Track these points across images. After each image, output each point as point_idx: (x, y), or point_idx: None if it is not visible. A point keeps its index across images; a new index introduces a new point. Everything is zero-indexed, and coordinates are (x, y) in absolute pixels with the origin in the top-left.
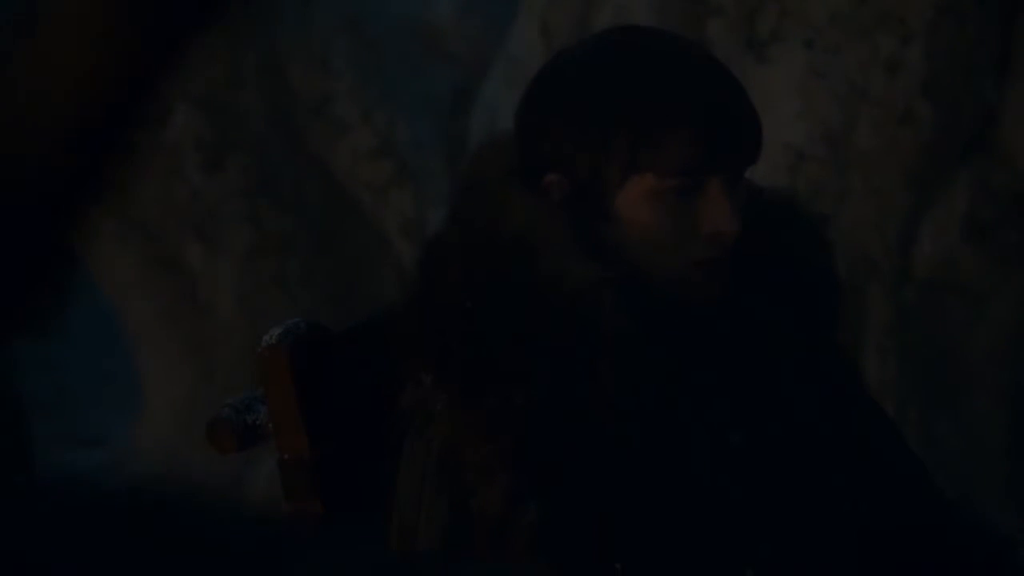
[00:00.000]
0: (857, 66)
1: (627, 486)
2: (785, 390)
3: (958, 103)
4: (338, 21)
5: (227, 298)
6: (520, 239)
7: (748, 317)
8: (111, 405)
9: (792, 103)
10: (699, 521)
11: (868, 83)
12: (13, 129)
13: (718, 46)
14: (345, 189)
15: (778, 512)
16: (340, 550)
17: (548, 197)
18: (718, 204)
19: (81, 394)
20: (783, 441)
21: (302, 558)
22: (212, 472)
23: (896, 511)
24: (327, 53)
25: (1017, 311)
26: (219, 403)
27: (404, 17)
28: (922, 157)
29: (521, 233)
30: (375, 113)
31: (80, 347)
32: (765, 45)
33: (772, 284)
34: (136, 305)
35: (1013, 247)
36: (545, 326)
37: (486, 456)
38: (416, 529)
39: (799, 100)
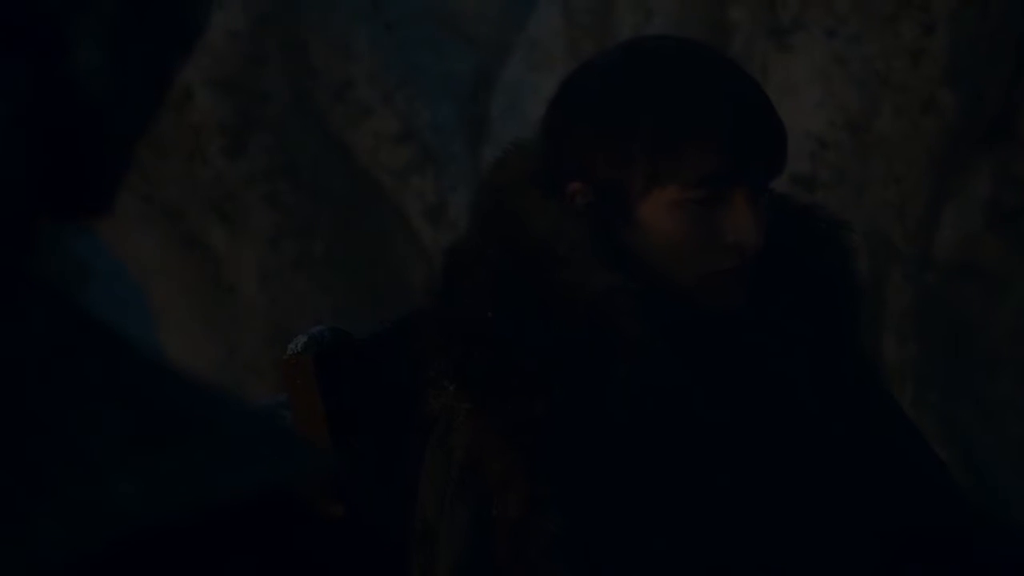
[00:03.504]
0: (880, 54)
1: (647, 495)
2: (803, 398)
3: (981, 90)
4: (360, 4)
5: (250, 279)
6: (542, 247)
7: (767, 325)
8: None
9: (814, 91)
10: (718, 529)
11: (891, 71)
12: None
13: (740, 33)
14: (367, 172)
15: (796, 520)
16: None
17: (571, 205)
18: (742, 216)
19: None
20: (801, 450)
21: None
22: None
23: (918, 516)
24: (349, 36)
25: None
26: (243, 385)
27: (426, 0)
28: (944, 144)
29: (543, 241)
30: (396, 97)
31: None
32: (787, 33)
33: (792, 291)
34: (159, 285)
35: None
36: (566, 334)
37: (507, 463)
38: (438, 533)
39: (821, 88)
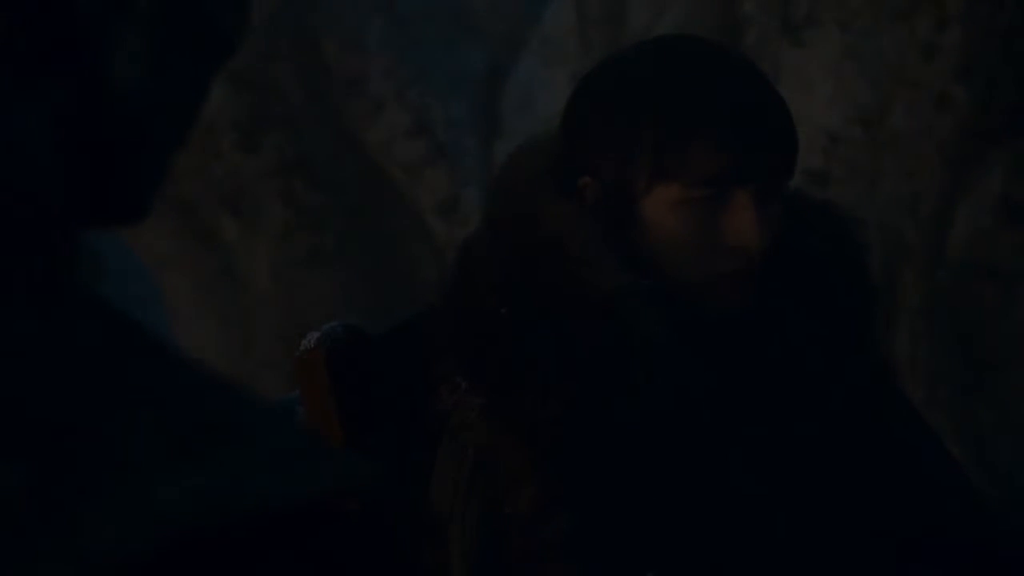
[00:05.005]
0: (893, 49)
1: (659, 494)
2: (815, 397)
3: (994, 86)
4: (373, 0)
5: (263, 273)
6: (554, 244)
7: (779, 323)
8: None
9: (827, 86)
10: (730, 529)
11: (904, 66)
12: None
13: (753, 28)
14: (379, 167)
15: (807, 520)
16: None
17: (582, 200)
18: (744, 217)
19: None
20: (813, 450)
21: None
22: None
23: (932, 516)
24: (362, 32)
25: None
26: (256, 379)
27: None
28: (957, 140)
29: (555, 238)
30: (409, 92)
31: None
32: (800, 28)
33: (804, 288)
34: (173, 279)
35: None
36: (578, 332)
37: (519, 462)
38: (450, 530)
39: (834, 83)
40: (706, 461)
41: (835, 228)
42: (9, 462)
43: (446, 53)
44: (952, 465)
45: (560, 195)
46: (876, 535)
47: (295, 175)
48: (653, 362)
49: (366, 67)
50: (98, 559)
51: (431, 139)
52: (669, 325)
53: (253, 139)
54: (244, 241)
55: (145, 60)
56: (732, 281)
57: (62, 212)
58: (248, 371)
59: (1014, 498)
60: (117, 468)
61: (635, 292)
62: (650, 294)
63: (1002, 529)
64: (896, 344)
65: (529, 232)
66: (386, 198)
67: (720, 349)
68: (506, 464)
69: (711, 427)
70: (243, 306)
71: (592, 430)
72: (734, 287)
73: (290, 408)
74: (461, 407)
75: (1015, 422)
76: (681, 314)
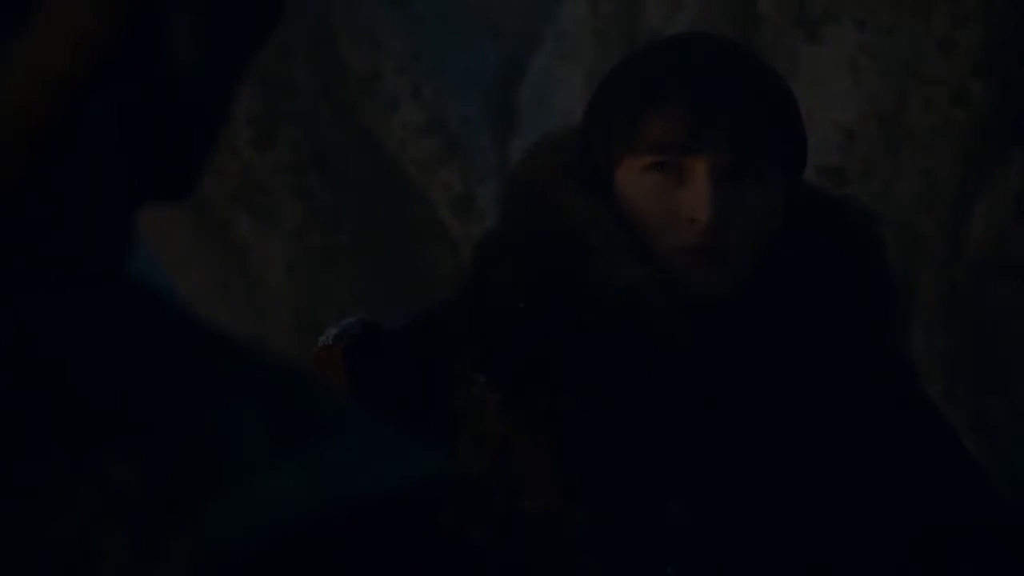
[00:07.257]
0: (910, 46)
1: (677, 488)
2: (827, 390)
3: (1012, 83)
4: None
5: (277, 270)
6: (572, 238)
7: (790, 315)
8: None
9: (843, 82)
10: (748, 522)
11: (921, 63)
12: None
13: (768, 24)
14: (394, 164)
15: (823, 515)
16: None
17: (595, 190)
18: (696, 190)
19: None
20: (825, 443)
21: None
22: None
23: (949, 515)
24: (377, 28)
25: None
26: None
27: None
28: (974, 136)
29: (575, 231)
30: (424, 88)
31: None
32: (817, 24)
33: (820, 284)
34: (187, 276)
35: None
36: (595, 326)
37: (537, 457)
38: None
39: (850, 79)
40: (723, 455)
41: (852, 223)
42: (125, 460)
43: (461, 50)
44: (969, 461)
45: (577, 189)
46: (889, 529)
47: (310, 172)
48: (670, 356)
49: (381, 64)
50: (217, 553)
51: (446, 136)
52: (685, 318)
53: (268, 136)
54: (258, 237)
55: (199, 44)
56: (695, 260)
57: (126, 201)
58: None
59: None
60: (227, 463)
61: (651, 285)
62: (665, 287)
63: (1018, 526)
64: (913, 340)
65: (546, 226)
66: (401, 195)
67: (733, 342)
68: (524, 459)
69: (728, 421)
70: (257, 302)
71: (610, 425)
72: (699, 267)
73: None
74: (478, 402)
75: None
76: (693, 306)
